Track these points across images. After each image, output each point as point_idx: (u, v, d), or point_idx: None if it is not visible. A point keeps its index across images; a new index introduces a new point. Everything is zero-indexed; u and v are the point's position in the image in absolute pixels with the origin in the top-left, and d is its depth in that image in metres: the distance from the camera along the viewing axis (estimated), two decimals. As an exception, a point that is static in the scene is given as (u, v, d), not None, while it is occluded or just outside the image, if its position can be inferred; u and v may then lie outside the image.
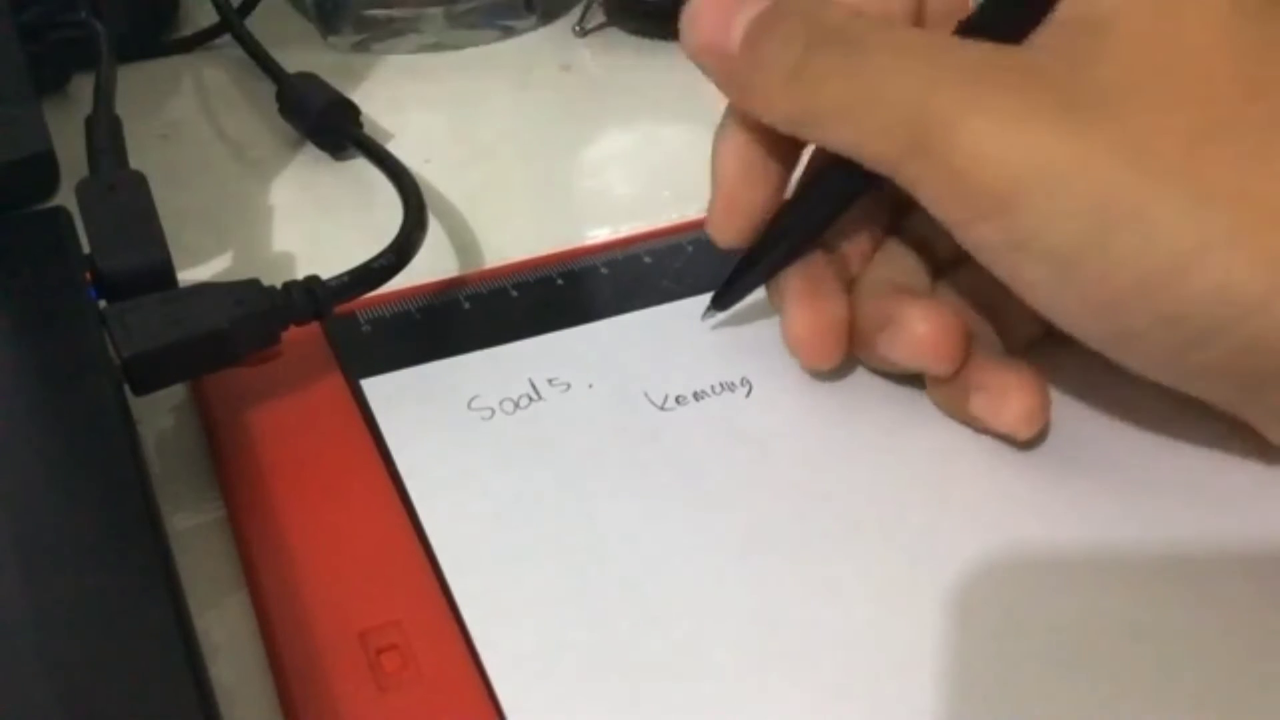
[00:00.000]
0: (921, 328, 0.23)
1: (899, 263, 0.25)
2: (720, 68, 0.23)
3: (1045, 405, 0.23)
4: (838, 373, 0.26)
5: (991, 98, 0.19)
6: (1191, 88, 0.19)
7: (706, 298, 0.28)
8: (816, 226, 0.24)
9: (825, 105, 0.21)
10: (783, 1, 0.22)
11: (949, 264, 0.26)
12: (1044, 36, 0.21)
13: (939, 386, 0.24)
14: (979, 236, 0.20)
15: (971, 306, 0.25)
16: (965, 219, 0.20)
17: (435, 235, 0.31)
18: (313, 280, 0.26)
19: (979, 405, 0.23)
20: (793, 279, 0.25)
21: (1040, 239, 0.19)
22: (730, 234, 0.25)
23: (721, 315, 0.27)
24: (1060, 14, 0.20)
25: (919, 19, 0.23)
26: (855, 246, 0.26)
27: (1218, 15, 0.19)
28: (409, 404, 0.25)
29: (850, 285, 0.25)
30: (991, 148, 0.19)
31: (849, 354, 0.25)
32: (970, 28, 0.21)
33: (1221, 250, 0.18)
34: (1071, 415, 0.24)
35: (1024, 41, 0.21)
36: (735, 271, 0.26)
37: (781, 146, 0.24)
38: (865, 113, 0.21)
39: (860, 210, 0.25)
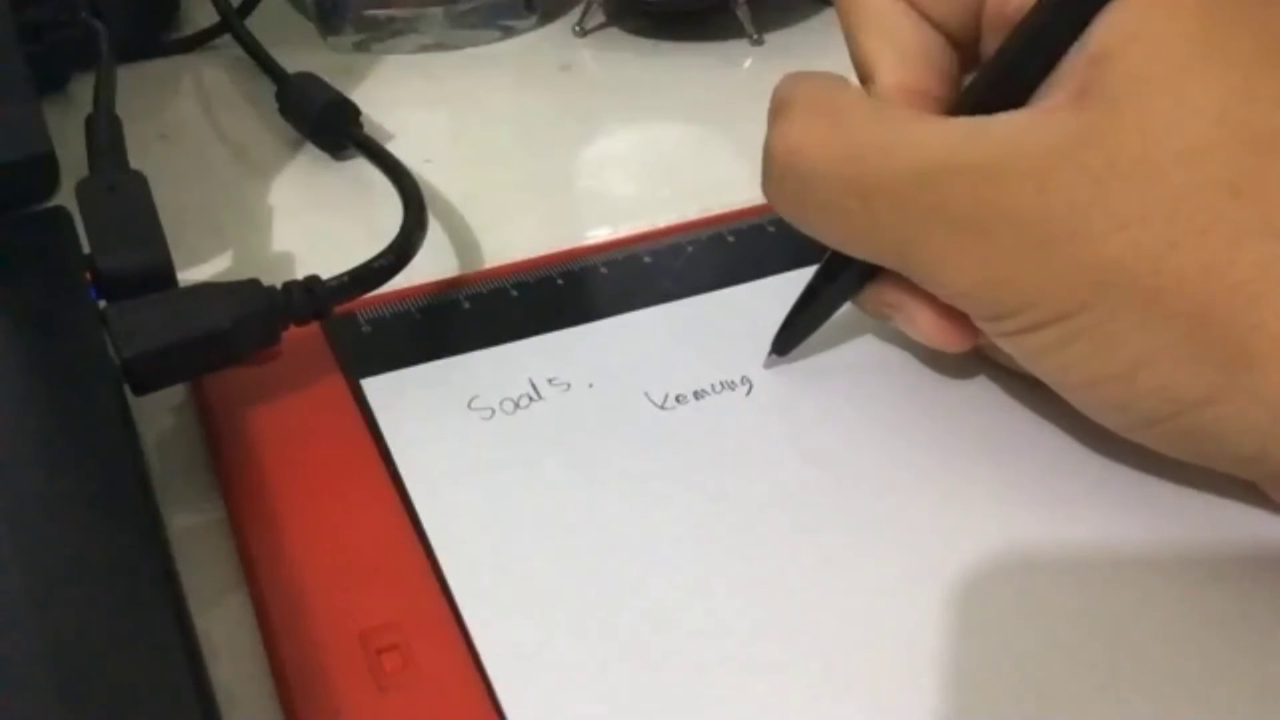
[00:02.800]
0: (929, 320, 0.23)
1: None
2: None
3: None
4: (838, 371, 0.26)
5: (961, 243, 0.20)
6: (1171, 189, 0.18)
7: (706, 297, 0.28)
8: (871, 266, 0.24)
9: (821, 239, 0.23)
10: (772, 113, 0.23)
11: None
12: (1043, 98, 0.20)
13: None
14: (974, 322, 0.22)
15: None
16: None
17: (435, 235, 0.31)
18: (312, 280, 0.26)
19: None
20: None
21: (1014, 338, 0.21)
22: None
23: (782, 360, 0.26)
24: (1063, 73, 0.20)
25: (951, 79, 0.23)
26: None
27: (1215, 101, 0.19)
28: (409, 404, 0.25)
29: None
30: (968, 288, 0.21)
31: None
32: (978, 88, 0.22)
33: (1166, 358, 0.19)
34: (1076, 414, 0.24)
35: (1030, 98, 0.21)
36: (793, 313, 0.26)
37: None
38: (855, 251, 0.23)
39: None
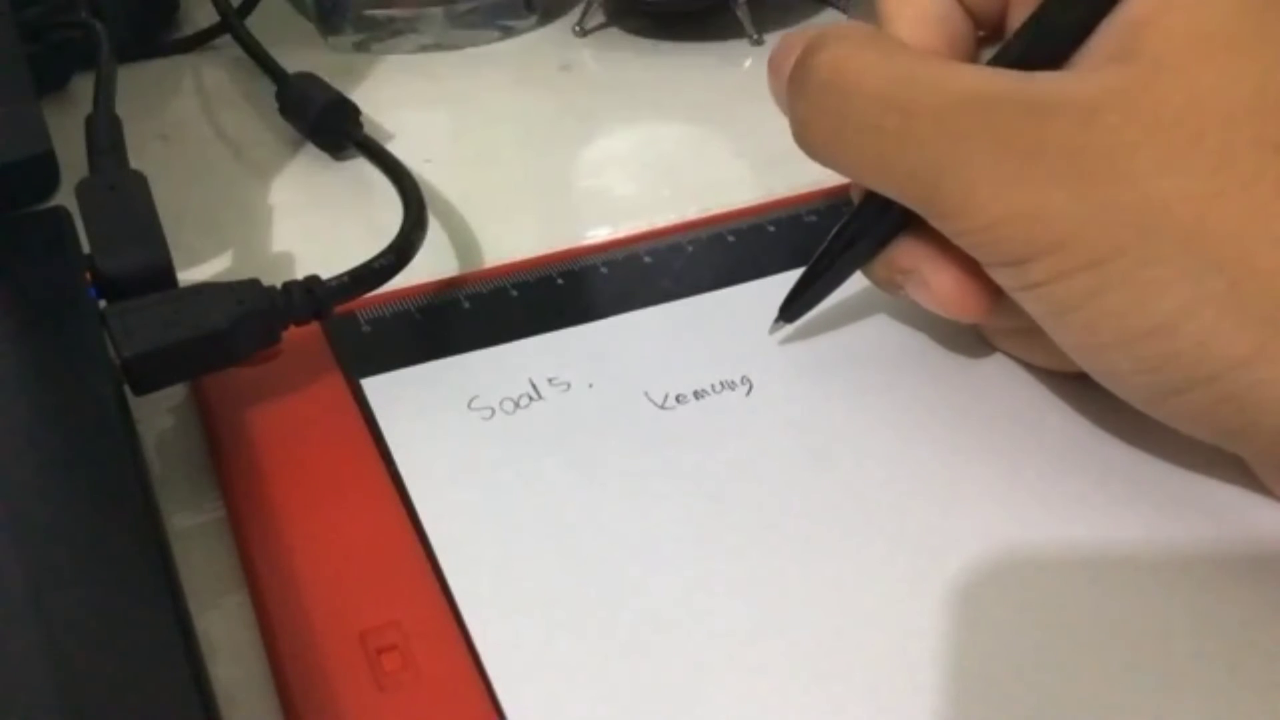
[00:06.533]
0: (945, 285, 0.23)
1: None
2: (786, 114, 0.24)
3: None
4: (838, 371, 0.26)
5: (999, 170, 0.20)
6: (1219, 140, 0.19)
7: (706, 297, 0.28)
8: (887, 232, 0.24)
9: (852, 172, 0.23)
10: (811, 48, 0.23)
11: None
12: (1084, 60, 0.20)
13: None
14: (994, 275, 0.22)
15: None
16: (984, 264, 0.22)
17: (435, 235, 0.31)
18: (313, 280, 0.26)
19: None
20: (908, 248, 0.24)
21: (1042, 288, 0.20)
22: None
23: (789, 327, 0.27)
24: (1099, 40, 0.20)
25: (967, 46, 0.24)
26: None
27: (1256, 71, 0.19)
28: (409, 404, 0.25)
29: None
30: (997, 219, 0.20)
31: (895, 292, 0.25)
32: (1010, 54, 0.22)
33: (1209, 311, 0.19)
34: (1077, 412, 0.24)
35: (1063, 65, 0.21)
36: (802, 281, 0.26)
37: None
38: (884, 183, 0.22)
39: None
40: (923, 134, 0.21)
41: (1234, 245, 0.18)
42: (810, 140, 0.23)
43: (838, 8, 0.44)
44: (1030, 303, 0.21)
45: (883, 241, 0.24)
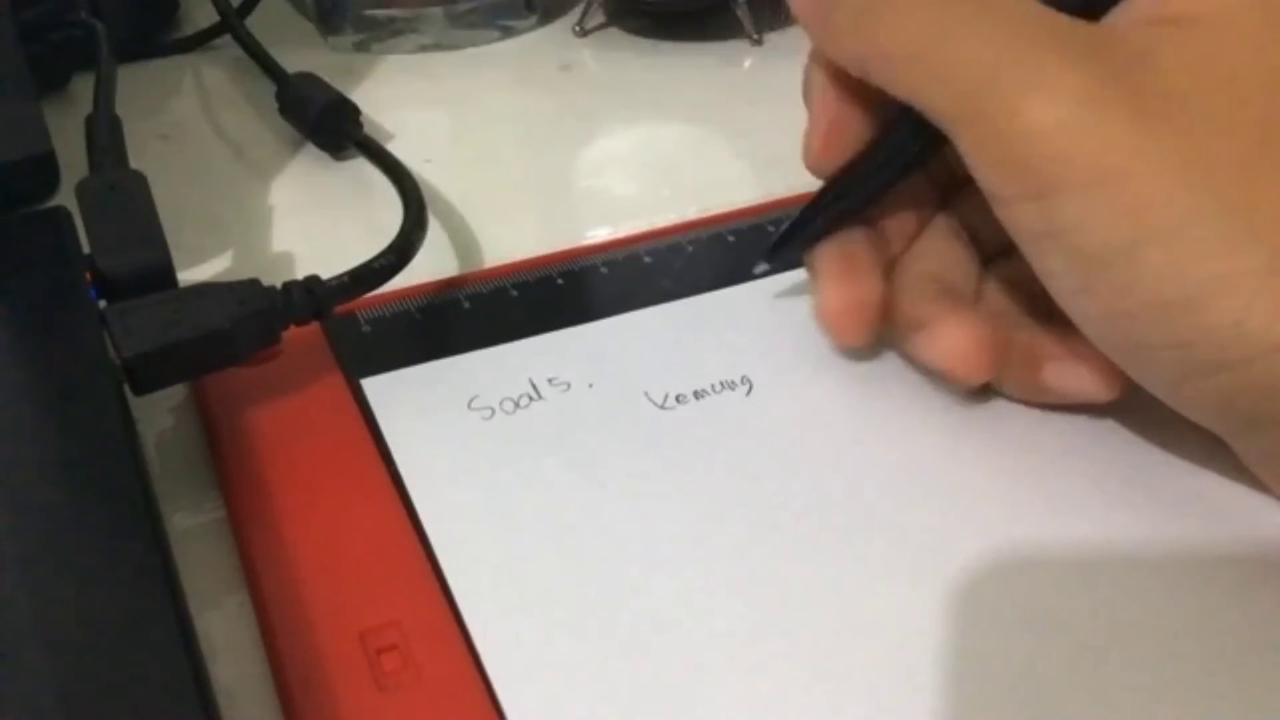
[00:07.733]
0: (955, 340, 0.23)
1: (945, 254, 0.25)
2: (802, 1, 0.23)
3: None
4: (838, 371, 0.26)
5: (1061, 77, 0.19)
6: (1264, 108, 0.18)
7: (706, 297, 0.28)
8: (880, 185, 0.24)
9: (895, 49, 0.21)
10: None
11: (996, 253, 0.25)
12: (1123, 18, 0.20)
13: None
14: (1018, 216, 0.20)
15: (1017, 299, 0.25)
16: (1009, 195, 0.20)
17: (435, 235, 0.31)
18: (313, 280, 0.26)
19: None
20: (829, 255, 0.24)
21: (1073, 233, 0.19)
22: (828, 167, 0.24)
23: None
24: (1133, 4, 0.20)
25: None
26: (899, 225, 0.25)
27: None
28: (409, 404, 0.25)
29: (890, 265, 0.25)
30: (1049, 128, 0.19)
31: (881, 337, 0.25)
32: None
33: (1247, 287, 0.18)
34: (1078, 412, 0.24)
35: (1102, 20, 0.20)
36: (793, 226, 0.26)
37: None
38: (932, 66, 0.20)
39: (906, 187, 0.25)
40: (988, 24, 0.20)
41: (1274, 222, 0.18)
42: (845, 21, 0.22)
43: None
44: (1058, 255, 0.20)
45: (890, 182, 0.24)
